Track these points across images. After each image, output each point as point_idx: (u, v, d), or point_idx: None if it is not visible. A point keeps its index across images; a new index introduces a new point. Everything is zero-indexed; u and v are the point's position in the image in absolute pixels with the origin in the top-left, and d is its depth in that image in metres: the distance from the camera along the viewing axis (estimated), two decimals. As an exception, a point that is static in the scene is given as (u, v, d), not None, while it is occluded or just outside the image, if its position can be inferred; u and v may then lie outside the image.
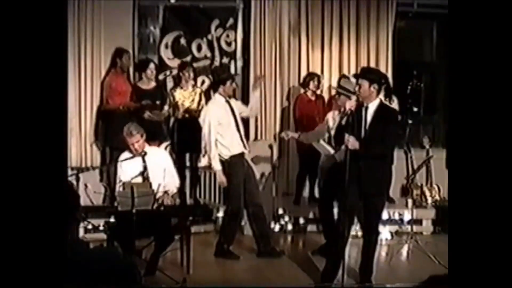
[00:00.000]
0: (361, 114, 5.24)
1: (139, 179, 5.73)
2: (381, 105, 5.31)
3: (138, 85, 7.84)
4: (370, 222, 5.43)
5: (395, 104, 8.01)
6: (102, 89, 7.84)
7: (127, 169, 5.80)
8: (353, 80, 6.05)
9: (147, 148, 5.88)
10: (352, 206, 5.25)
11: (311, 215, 7.61)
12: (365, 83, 5.22)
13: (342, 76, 7.73)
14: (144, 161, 5.78)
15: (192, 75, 7.87)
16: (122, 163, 5.86)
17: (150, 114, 7.53)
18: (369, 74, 5.41)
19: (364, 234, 5.49)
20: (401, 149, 8.21)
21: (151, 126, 6.94)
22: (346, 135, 5.14)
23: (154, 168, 5.81)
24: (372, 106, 5.23)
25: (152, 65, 7.82)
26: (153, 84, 7.83)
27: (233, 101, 6.52)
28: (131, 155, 5.81)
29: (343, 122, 5.29)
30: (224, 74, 6.83)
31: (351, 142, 5.13)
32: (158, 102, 7.63)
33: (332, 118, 6.24)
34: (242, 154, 6.45)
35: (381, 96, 5.47)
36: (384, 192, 5.59)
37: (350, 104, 5.22)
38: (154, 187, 5.49)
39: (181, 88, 7.83)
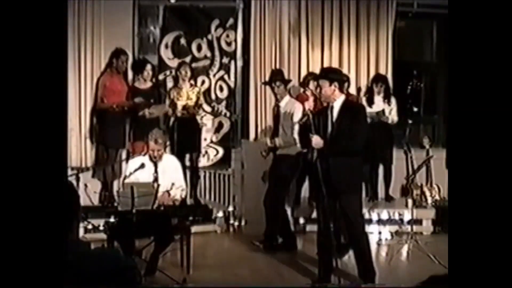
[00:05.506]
0: (326, 113, 5.35)
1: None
2: (345, 103, 5.39)
3: (135, 85, 7.84)
4: (350, 222, 5.40)
5: (393, 105, 8.03)
6: (97, 88, 7.84)
7: (136, 175, 5.74)
8: None
9: (165, 155, 5.93)
10: (325, 205, 5.24)
11: (311, 215, 7.62)
12: (325, 83, 5.33)
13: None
14: (156, 171, 5.79)
15: (189, 74, 7.86)
16: (130, 165, 5.85)
17: (150, 111, 7.51)
18: (328, 73, 5.50)
19: (350, 235, 5.50)
20: (401, 149, 8.23)
21: (152, 126, 6.94)
22: (310, 134, 5.26)
23: (164, 177, 5.81)
24: (337, 105, 5.32)
25: (149, 67, 7.80)
26: (150, 84, 7.83)
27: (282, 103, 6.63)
28: (142, 162, 5.77)
29: (308, 122, 5.37)
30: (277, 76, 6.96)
31: (315, 141, 5.22)
32: (152, 101, 7.61)
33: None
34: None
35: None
36: (356, 189, 5.45)
37: (309, 105, 5.34)
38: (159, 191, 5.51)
39: (179, 87, 7.83)
